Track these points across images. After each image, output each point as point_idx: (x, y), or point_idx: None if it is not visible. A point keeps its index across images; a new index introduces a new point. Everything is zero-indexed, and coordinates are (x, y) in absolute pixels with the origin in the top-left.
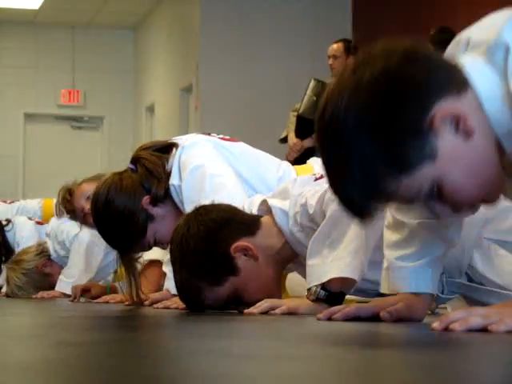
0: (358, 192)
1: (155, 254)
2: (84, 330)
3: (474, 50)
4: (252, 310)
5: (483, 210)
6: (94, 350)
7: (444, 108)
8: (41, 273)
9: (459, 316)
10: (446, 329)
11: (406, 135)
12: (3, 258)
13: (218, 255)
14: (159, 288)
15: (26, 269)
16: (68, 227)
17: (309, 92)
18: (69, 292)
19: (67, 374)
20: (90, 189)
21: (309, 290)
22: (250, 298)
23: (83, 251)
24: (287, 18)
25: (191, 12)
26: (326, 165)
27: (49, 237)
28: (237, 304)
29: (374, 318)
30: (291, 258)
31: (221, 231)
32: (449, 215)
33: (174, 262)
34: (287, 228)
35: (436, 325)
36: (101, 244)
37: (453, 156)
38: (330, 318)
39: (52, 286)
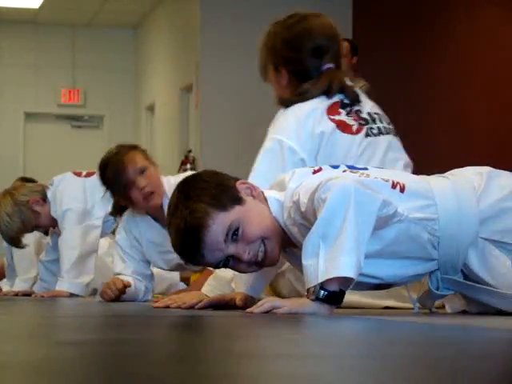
0: None
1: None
2: (84, 330)
3: None
4: (253, 309)
5: (480, 209)
6: (94, 350)
7: None
8: (30, 208)
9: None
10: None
11: None
12: None
13: (224, 186)
14: None
15: (19, 200)
16: (66, 192)
17: None
18: (75, 291)
19: (68, 374)
20: None
21: (308, 290)
22: (249, 235)
23: (75, 260)
24: None
25: (191, 11)
26: None
27: (51, 186)
28: (227, 266)
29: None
30: (288, 240)
31: (227, 175)
32: None
33: (179, 200)
34: (282, 220)
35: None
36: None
37: None
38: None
39: (35, 227)
